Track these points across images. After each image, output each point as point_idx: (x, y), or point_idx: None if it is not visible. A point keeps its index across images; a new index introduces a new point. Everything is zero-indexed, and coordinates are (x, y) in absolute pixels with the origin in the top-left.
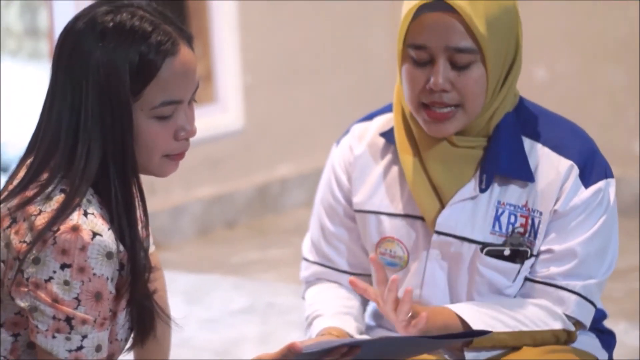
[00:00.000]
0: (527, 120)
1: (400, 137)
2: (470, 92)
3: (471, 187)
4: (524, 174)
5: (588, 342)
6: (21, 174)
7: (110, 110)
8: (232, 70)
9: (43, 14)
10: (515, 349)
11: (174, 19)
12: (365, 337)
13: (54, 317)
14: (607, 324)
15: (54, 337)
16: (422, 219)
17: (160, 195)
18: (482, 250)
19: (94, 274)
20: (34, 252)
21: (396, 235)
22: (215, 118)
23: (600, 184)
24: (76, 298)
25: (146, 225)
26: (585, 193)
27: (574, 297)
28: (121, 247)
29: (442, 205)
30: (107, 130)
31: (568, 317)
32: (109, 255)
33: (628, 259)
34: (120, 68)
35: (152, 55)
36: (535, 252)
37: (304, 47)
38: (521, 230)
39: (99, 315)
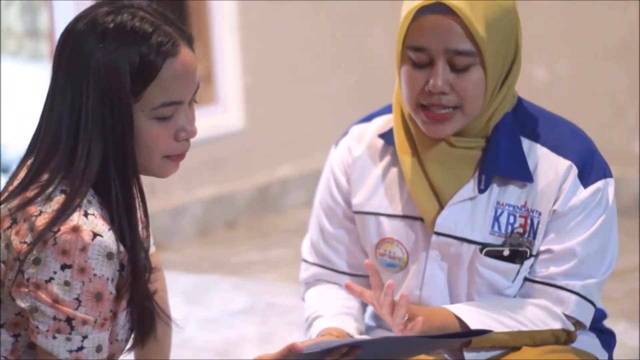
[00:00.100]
0: (525, 121)
1: (399, 138)
2: (469, 94)
3: (470, 187)
4: (523, 175)
5: (588, 342)
6: (22, 174)
7: (110, 111)
8: (232, 70)
9: (43, 14)
10: (515, 349)
11: (174, 20)
12: (365, 337)
13: (54, 318)
14: (607, 324)
15: (54, 337)
16: (421, 220)
17: (160, 195)
18: (481, 250)
19: (95, 275)
20: (34, 252)
21: (395, 236)
22: (216, 119)
23: (599, 183)
24: (77, 299)
25: (147, 226)
26: (584, 193)
27: (573, 297)
28: (122, 248)
29: (441, 206)
30: (108, 131)
31: (568, 317)
32: (109, 255)
33: (628, 259)
34: (121, 69)
35: (153, 56)
36: (534, 253)
37: (304, 48)
38: (520, 230)
39: (99, 316)
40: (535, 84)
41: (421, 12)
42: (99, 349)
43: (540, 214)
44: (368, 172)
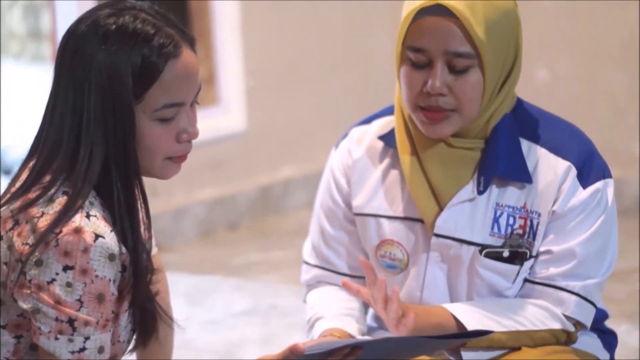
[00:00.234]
0: (524, 122)
1: (400, 138)
2: (467, 96)
3: (469, 189)
4: (522, 176)
5: (590, 342)
6: (24, 176)
7: (112, 113)
8: (234, 72)
9: (46, 16)
10: (515, 349)
11: (176, 22)
12: (367, 338)
13: (56, 319)
14: (609, 325)
15: (56, 338)
16: (421, 221)
17: (162, 197)
18: (481, 252)
19: (97, 276)
20: (36, 254)
21: (396, 237)
22: (218, 120)
23: (599, 184)
24: (79, 300)
25: (148, 227)
26: (583, 194)
27: (573, 297)
28: (123, 249)
29: (441, 208)
30: (110, 132)
31: (568, 317)
32: (111, 257)
33: (629, 260)
34: (123, 71)
35: (155, 57)
36: (534, 254)
37: (306, 50)
38: (520, 231)
39: (101, 317)
40: (536, 85)
41: (421, 13)
42: (101, 350)
43: (539, 215)
44: (368, 174)
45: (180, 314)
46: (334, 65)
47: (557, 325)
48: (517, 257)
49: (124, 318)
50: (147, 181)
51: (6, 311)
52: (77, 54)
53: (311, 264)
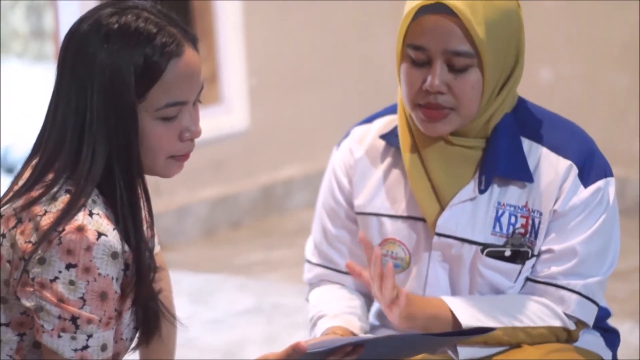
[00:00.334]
0: (525, 121)
1: (403, 137)
2: (465, 96)
3: (470, 188)
4: (523, 175)
5: (592, 340)
6: (26, 174)
7: (115, 112)
8: (237, 71)
9: (48, 15)
10: (515, 346)
11: (178, 21)
12: (369, 336)
13: (59, 317)
14: (611, 323)
15: (59, 336)
16: (423, 220)
17: (165, 196)
18: (482, 251)
19: (99, 274)
20: (39, 252)
21: (398, 236)
22: (220, 119)
23: (600, 183)
24: (81, 298)
25: (151, 226)
26: (584, 192)
27: (574, 296)
28: (126, 247)
29: (442, 207)
30: (112, 131)
31: (569, 316)
32: (114, 255)
33: (631, 259)
34: (125, 70)
35: (157, 57)
36: (536, 253)
37: (309, 49)
38: (522, 230)
39: (104, 315)
40: (538, 86)
41: (422, 11)
42: (103, 348)
43: (541, 214)
44: (370, 174)
45: (183, 313)
46: (336, 65)
47: (556, 323)
48: (518, 257)
49: (127, 316)
50: (149, 180)
51: (9, 309)
52: (79, 53)
53: (313, 263)
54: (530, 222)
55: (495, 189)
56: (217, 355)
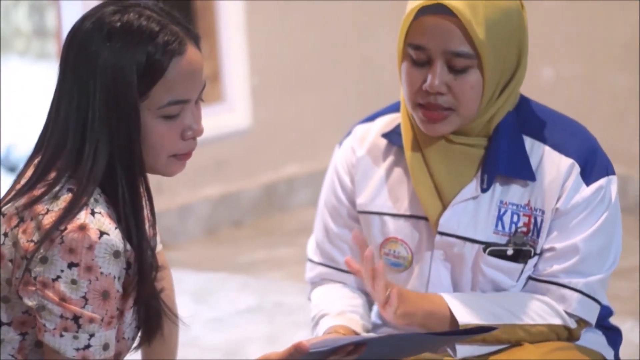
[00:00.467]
0: (527, 120)
1: (406, 135)
2: (465, 96)
3: (472, 187)
4: (525, 174)
5: (594, 339)
6: (29, 173)
7: (117, 110)
8: (239, 70)
9: (51, 14)
10: (516, 345)
11: (181, 19)
12: (371, 334)
13: (61, 316)
14: (613, 322)
15: (61, 335)
16: (425, 219)
17: (167, 194)
18: (484, 250)
19: (102, 273)
20: (41, 251)
21: (400, 235)
22: (222, 118)
23: (602, 181)
24: (83, 297)
25: (153, 225)
26: (586, 191)
27: (576, 294)
28: (128, 246)
29: (444, 206)
30: (114, 130)
31: (570, 314)
32: (116, 254)
33: (631, 258)
34: (128, 68)
35: (159, 55)
36: (538, 251)
37: (311, 48)
38: (524, 229)
39: (106, 314)
40: (538, 86)
41: (422, 11)
42: (105, 347)
43: (543, 212)
44: (372, 172)
45: (185, 312)
46: (338, 63)
47: (557, 321)
48: (521, 255)
49: (129, 315)
50: (151, 178)
51: (11, 308)
52: (81, 52)
53: (315, 262)
54: (532, 220)
55: (497, 188)
56: (219, 354)
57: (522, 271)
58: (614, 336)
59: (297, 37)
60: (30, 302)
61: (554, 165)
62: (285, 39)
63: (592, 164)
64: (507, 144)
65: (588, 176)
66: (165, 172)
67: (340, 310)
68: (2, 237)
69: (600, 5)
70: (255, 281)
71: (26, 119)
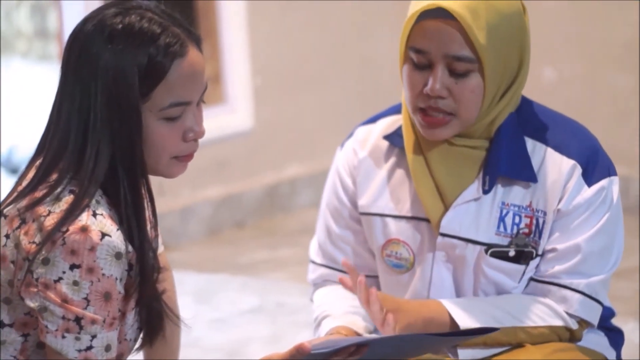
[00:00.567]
0: (529, 121)
1: (407, 137)
2: (465, 100)
3: (474, 188)
4: (527, 175)
5: (596, 340)
6: (30, 174)
7: (119, 112)
8: (241, 71)
9: (53, 15)
10: (518, 346)
11: (182, 21)
12: (373, 335)
13: (63, 317)
14: (615, 323)
15: (63, 337)
16: (427, 221)
17: (169, 196)
18: (486, 251)
19: (103, 274)
20: (43, 252)
21: (402, 237)
22: (224, 119)
23: (603, 182)
24: (85, 298)
25: (155, 226)
26: (588, 192)
27: (577, 295)
28: (130, 248)
29: (446, 207)
30: (116, 132)
31: (572, 315)
32: (117, 255)
33: (632, 259)
34: (129, 70)
35: (161, 57)
36: (540, 252)
37: (313, 49)
38: (526, 230)
39: (108, 315)
40: (538, 86)
41: (424, 15)
42: (107, 348)
43: (545, 213)
44: (373, 174)
45: (187, 313)
46: (340, 64)
47: (558, 323)
48: (522, 257)
49: (131, 316)
50: (153, 180)
51: (13, 310)
52: (83, 54)
53: (318, 263)
54: (534, 222)
55: (499, 189)
56: (221, 355)
57: (524, 272)
58: (616, 337)
59: (299, 38)
60: (32, 304)
61: (555, 166)
62: (287, 40)
63: (594, 165)
64: (508, 146)
65: (590, 177)
66: (166, 174)
67: (342, 312)
68: (4, 238)
69: (600, 5)
70: (257, 282)
71: (28, 121)
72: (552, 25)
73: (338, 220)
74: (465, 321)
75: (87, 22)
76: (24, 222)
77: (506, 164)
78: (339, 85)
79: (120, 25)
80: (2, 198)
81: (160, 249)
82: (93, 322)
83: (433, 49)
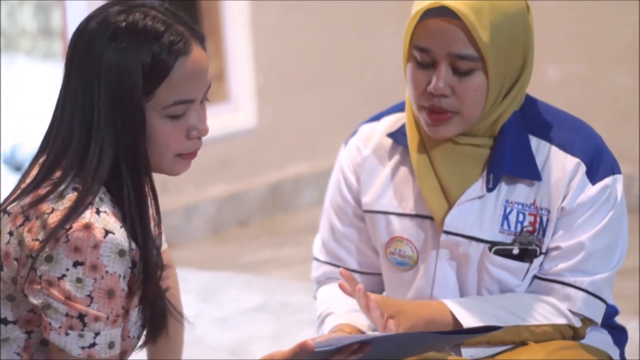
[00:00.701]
0: (533, 119)
1: (411, 135)
2: (469, 98)
3: (478, 186)
4: (531, 173)
5: (599, 338)
6: (34, 172)
7: (122, 110)
8: (244, 69)
9: (56, 13)
10: (521, 344)
11: (186, 19)
12: (376, 333)
13: (66, 315)
14: (618, 321)
15: (67, 334)
16: (431, 218)
17: (172, 194)
18: (490, 249)
19: (107, 272)
20: (46, 250)
21: (405, 235)
22: (228, 117)
23: (607, 180)
24: (89, 295)
25: (158, 224)
26: (592, 190)
27: (580, 293)
28: (133, 245)
29: (450, 205)
30: (120, 130)
31: (575, 313)
32: (121, 253)
33: (635, 257)
34: (133, 68)
35: (165, 55)
36: (543, 250)
37: (316, 48)
38: (530, 228)
39: (111, 313)
40: (540, 86)
41: (427, 14)
42: (111, 345)
43: (549, 211)
44: (377, 172)
45: (191, 311)
46: (343, 63)
47: (561, 321)
48: (526, 254)
49: (134, 314)
50: (157, 177)
51: (17, 307)
52: (86, 52)
53: (321, 261)
54: (538, 219)
55: (503, 187)
56: (224, 353)
57: (527, 270)
58: (619, 335)
59: (302, 37)
60: (35, 301)
61: (559, 164)
62: (291, 39)
63: (598, 163)
64: (512, 144)
65: (594, 175)
66: (170, 172)
67: (346, 309)
68: (8, 235)
69: (601, 5)
70: (260, 280)
71: (32, 118)
72: (553, 25)
73: (342, 217)
74: (469, 320)
75: (90, 20)
76: (27, 219)
77: (510, 162)
78: (341, 84)
79: (124, 23)
80: (5, 196)
81: (164, 246)
82: (96, 319)
83: (436, 47)
